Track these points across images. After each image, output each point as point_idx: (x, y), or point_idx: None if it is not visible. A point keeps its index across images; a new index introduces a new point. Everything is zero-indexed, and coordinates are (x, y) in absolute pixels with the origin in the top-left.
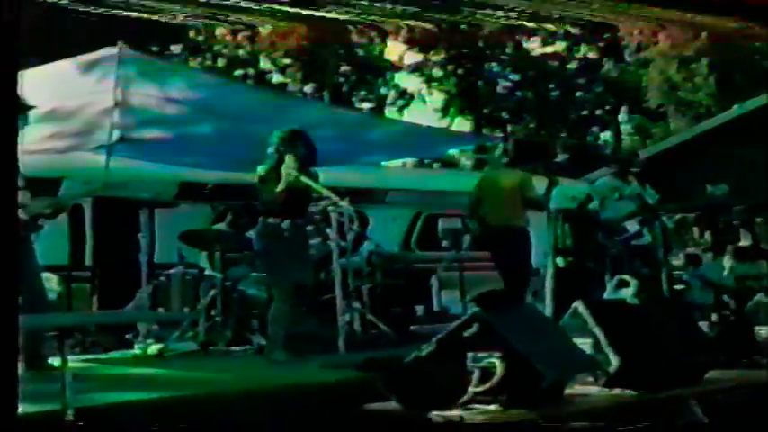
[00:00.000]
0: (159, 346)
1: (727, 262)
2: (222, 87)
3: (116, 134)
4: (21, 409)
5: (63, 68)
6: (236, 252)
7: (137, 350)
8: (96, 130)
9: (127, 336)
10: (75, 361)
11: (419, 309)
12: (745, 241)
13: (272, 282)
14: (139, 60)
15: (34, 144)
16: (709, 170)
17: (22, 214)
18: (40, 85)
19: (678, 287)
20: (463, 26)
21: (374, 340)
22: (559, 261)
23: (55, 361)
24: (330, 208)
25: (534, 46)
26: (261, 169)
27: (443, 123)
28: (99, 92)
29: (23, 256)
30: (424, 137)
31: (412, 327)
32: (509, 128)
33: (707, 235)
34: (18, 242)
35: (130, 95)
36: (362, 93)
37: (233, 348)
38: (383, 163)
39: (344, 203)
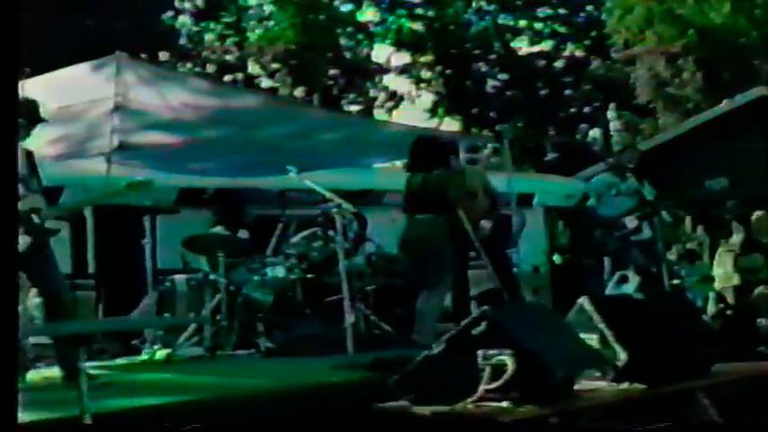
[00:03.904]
0: (167, 351)
1: (721, 256)
2: (222, 93)
3: (115, 141)
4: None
5: (61, 77)
6: (238, 256)
7: (144, 356)
8: (95, 138)
9: (133, 342)
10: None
11: None
12: (737, 235)
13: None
14: (138, 67)
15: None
16: (705, 164)
17: (37, 219)
18: (39, 93)
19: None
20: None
21: (381, 341)
22: (556, 258)
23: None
24: (334, 210)
25: (521, 45)
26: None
27: (432, 124)
28: (98, 99)
29: (43, 261)
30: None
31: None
32: (498, 127)
33: (699, 229)
34: (16, 244)
35: (129, 103)
36: (352, 96)
37: (239, 352)
38: (375, 165)
39: (348, 206)
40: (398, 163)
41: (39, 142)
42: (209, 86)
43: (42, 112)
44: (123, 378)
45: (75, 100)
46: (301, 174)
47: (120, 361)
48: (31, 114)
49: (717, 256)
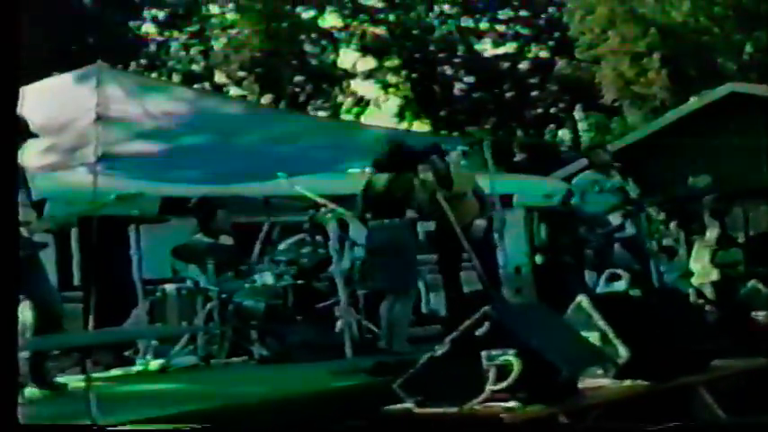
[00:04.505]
0: (160, 361)
1: (698, 252)
2: (202, 100)
3: (98, 152)
4: None
5: (43, 88)
6: (227, 263)
7: (139, 366)
8: (78, 149)
9: (126, 353)
10: (80, 380)
11: None
12: (712, 230)
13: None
14: (119, 76)
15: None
16: (687, 161)
17: (25, 232)
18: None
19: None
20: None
21: (374, 345)
22: (538, 259)
23: (62, 379)
24: (329, 215)
25: (486, 47)
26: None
27: (401, 128)
28: (80, 110)
29: (33, 273)
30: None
31: None
32: (466, 129)
33: (672, 225)
34: (18, 252)
35: (111, 113)
36: (319, 101)
37: (233, 360)
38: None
39: (342, 210)
40: (368, 169)
41: (25, 154)
42: (190, 94)
43: (31, 126)
44: (121, 389)
45: (57, 111)
46: (290, 179)
47: (115, 372)
48: (21, 130)
49: (693, 252)
